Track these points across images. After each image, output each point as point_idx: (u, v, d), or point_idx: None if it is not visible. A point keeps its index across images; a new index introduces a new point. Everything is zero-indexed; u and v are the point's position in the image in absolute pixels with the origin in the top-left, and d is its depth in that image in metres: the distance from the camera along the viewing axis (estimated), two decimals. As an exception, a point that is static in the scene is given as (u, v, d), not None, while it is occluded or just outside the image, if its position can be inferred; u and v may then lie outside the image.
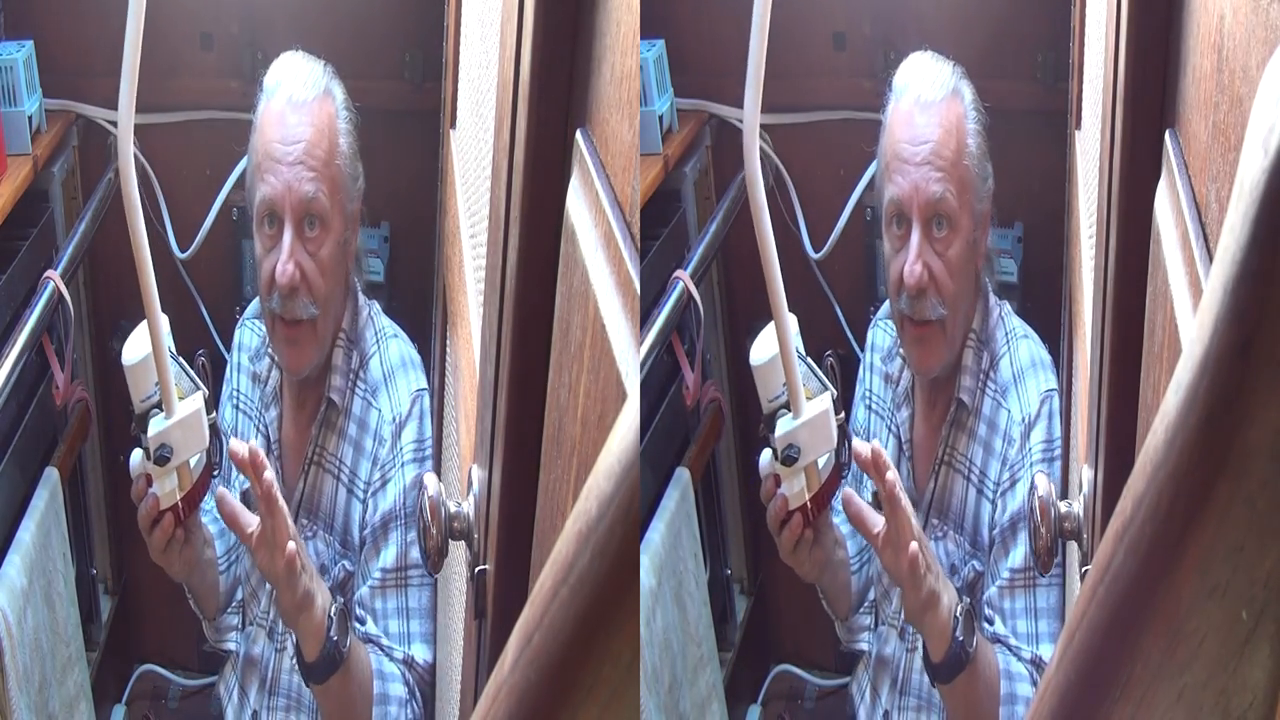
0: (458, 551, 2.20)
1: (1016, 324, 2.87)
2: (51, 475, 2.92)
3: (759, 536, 3.71)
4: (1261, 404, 0.99)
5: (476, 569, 1.97)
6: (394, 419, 2.75)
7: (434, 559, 2.10)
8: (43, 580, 2.76)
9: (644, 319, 2.83)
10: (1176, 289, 1.62)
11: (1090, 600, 1.18)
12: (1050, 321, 3.14)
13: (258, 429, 2.89)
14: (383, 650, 2.69)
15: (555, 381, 1.72)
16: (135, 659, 3.52)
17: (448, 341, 2.89)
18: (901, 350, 2.90)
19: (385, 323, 2.89)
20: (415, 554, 2.69)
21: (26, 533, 2.73)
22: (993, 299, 2.87)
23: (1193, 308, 1.53)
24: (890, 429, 2.91)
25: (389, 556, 2.70)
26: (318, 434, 2.81)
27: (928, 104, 2.72)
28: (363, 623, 2.70)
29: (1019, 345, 2.84)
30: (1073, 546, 2.47)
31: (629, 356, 1.40)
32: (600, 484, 1.07)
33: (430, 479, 2.12)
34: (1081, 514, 2.30)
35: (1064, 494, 2.59)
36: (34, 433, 3.00)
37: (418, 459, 2.74)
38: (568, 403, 1.62)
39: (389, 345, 2.85)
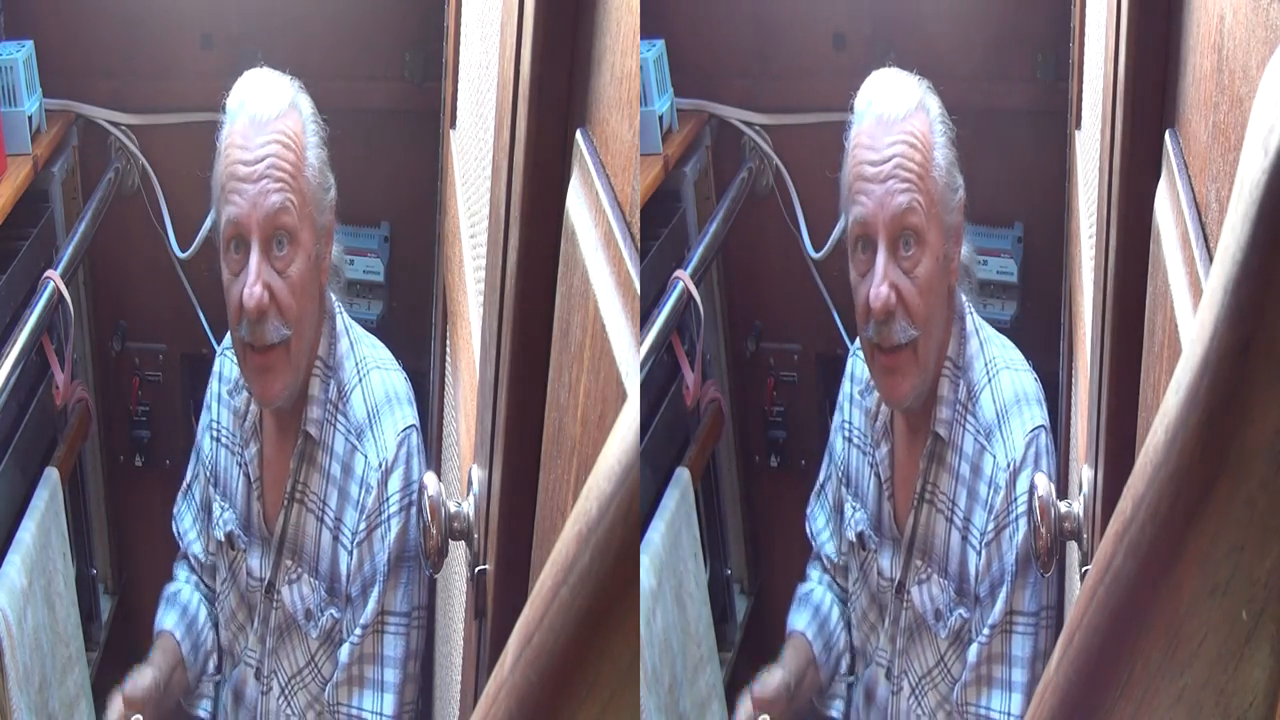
0: (458, 551, 2.20)
1: (997, 352, 2.75)
2: (51, 475, 2.91)
3: (759, 536, 3.72)
4: (1261, 404, 0.99)
5: (476, 569, 1.97)
6: (380, 465, 2.67)
7: (434, 559, 2.09)
8: (43, 580, 2.75)
9: (644, 319, 2.82)
10: (1176, 289, 1.62)
11: (1090, 601, 1.18)
12: (1050, 321, 3.14)
13: (239, 464, 2.86)
14: None
15: (555, 381, 1.72)
16: (135, 659, 3.52)
17: (448, 341, 2.88)
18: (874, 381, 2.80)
19: (367, 351, 2.78)
20: (394, 602, 2.68)
21: (26, 533, 2.73)
22: (969, 322, 2.75)
23: (1193, 308, 1.53)
24: (870, 464, 2.87)
25: (369, 613, 2.69)
26: (297, 467, 2.74)
27: (891, 121, 2.63)
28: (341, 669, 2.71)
29: (1000, 378, 2.71)
30: (1073, 546, 2.47)
31: (629, 356, 1.40)
32: (600, 484, 1.07)
33: (430, 479, 2.12)
34: (1081, 514, 2.29)
35: (1064, 494, 2.58)
36: (34, 433, 3.00)
37: (405, 507, 2.68)
38: (568, 403, 1.62)
39: (371, 379, 2.74)
